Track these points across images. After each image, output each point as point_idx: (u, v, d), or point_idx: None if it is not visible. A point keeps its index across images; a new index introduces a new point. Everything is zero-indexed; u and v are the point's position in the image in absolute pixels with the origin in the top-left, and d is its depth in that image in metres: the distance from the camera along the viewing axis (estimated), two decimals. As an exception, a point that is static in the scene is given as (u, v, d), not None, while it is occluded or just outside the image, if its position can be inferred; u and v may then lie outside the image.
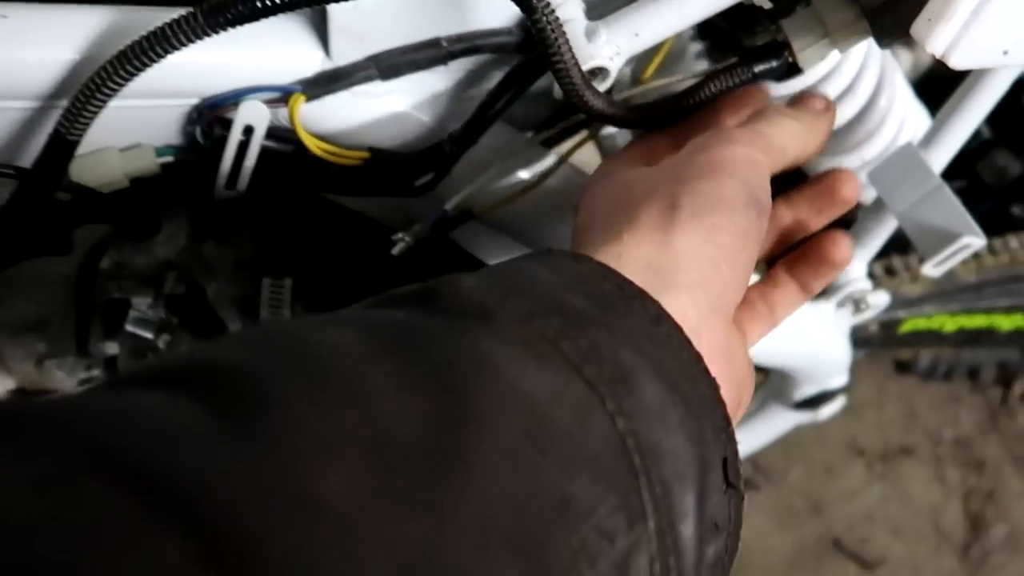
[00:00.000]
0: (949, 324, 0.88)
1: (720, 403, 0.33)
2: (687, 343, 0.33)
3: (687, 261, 0.37)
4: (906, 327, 0.86)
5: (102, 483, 0.22)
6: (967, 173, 0.95)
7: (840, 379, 0.79)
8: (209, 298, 0.56)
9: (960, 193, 0.66)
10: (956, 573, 1.34)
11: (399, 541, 0.24)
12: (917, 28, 0.44)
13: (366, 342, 0.28)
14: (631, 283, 0.34)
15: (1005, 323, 0.91)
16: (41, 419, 0.24)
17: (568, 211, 0.61)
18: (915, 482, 1.41)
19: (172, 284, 0.53)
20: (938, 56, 0.43)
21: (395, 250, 0.54)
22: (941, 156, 0.67)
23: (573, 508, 0.27)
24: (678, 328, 0.33)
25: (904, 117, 0.77)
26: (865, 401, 1.44)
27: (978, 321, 0.89)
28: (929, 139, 0.67)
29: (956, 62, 0.43)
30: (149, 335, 0.54)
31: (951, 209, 0.63)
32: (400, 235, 0.54)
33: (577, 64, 0.48)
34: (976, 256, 0.86)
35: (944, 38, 0.43)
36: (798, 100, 0.48)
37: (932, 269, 0.63)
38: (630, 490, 0.28)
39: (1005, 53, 0.44)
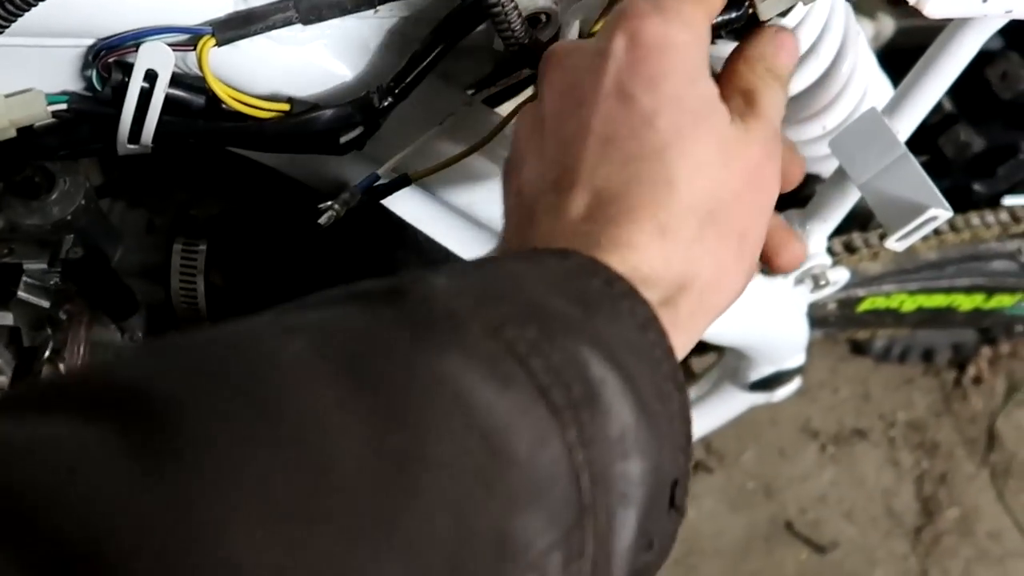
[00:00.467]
0: (908, 303, 0.85)
1: (687, 420, 0.32)
2: (668, 353, 0.32)
3: (698, 270, 0.36)
4: (864, 306, 0.83)
5: None
6: (928, 148, 0.92)
7: (797, 359, 0.75)
8: (114, 264, 0.51)
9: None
10: (908, 556, 1.33)
11: None
12: (890, -27, 0.40)
13: (317, 355, 0.26)
14: (621, 279, 0.33)
15: (965, 303, 0.89)
16: None
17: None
18: (868, 465, 1.39)
19: (69, 247, 0.48)
20: (912, 3, 0.40)
21: (323, 220, 0.49)
22: (906, 124, 0.64)
23: (509, 548, 0.26)
24: (663, 335, 0.32)
25: (867, 85, 0.73)
26: (819, 383, 1.42)
27: (937, 301, 0.87)
28: (894, 107, 0.64)
29: (932, 10, 0.40)
30: (45, 303, 0.49)
31: (916, 179, 0.59)
32: (328, 204, 0.49)
33: (517, 8, 0.44)
34: (937, 233, 0.83)
35: (919, -17, 0.39)
36: (780, 43, 0.44)
37: (895, 243, 0.59)
38: (574, 525, 0.27)
39: (984, 1, 0.40)
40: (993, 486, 1.35)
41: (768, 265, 0.46)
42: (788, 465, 1.40)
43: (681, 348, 0.35)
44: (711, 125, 0.38)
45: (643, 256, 0.35)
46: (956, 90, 0.76)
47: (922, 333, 1.23)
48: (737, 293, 0.39)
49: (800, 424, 1.41)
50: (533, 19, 0.46)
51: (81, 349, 0.50)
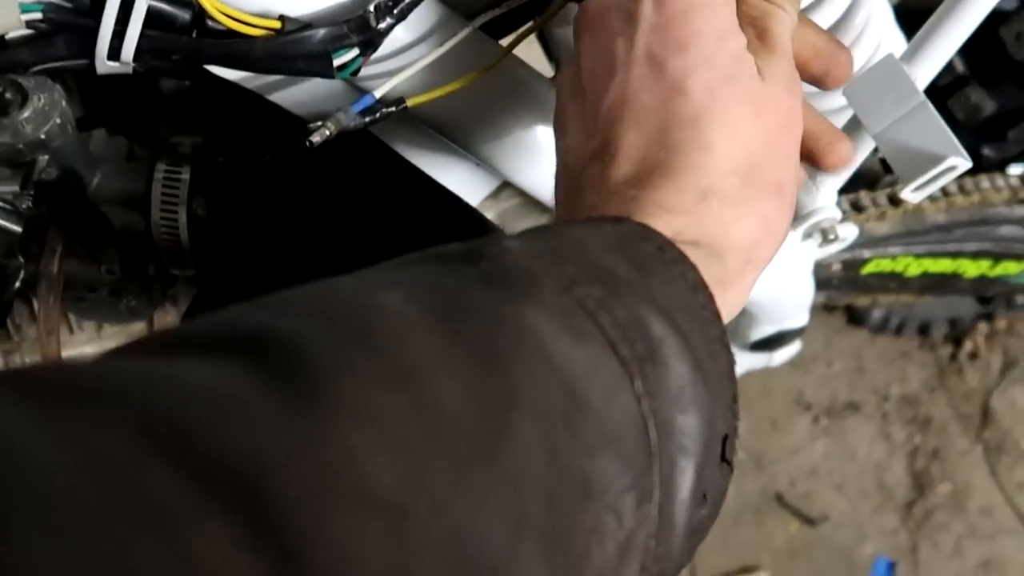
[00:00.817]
0: (914, 267, 0.83)
1: (733, 379, 0.34)
2: (716, 316, 0.34)
3: (744, 228, 0.38)
4: (869, 268, 0.81)
5: (155, 462, 0.22)
6: (938, 109, 0.89)
7: (800, 319, 0.73)
8: (91, 192, 0.48)
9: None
10: (898, 531, 1.32)
11: (442, 534, 0.24)
12: None
13: (415, 307, 0.28)
14: (672, 245, 0.34)
15: (971, 269, 0.87)
16: (88, 387, 0.23)
17: (512, 107, 0.54)
18: (860, 438, 1.38)
19: (43, 168, 0.45)
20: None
21: (313, 138, 0.46)
22: (924, 72, 0.61)
23: (592, 487, 0.28)
24: (711, 299, 0.34)
25: (881, 38, 0.71)
26: (813, 355, 1.40)
27: (943, 266, 0.85)
28: (912, 53, 0.61)
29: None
30: (16, 228, 0.46)
31: (935, 128, 0.57)
32: (319, 123, 0.47)
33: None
34: (946, 194, 0.80)
35: None
36: None
37: (911, 194, 0.57)
38: (643, 470, 0.29)
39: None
40: (986, 462, 1.34)
41: (818, 166, 0.46)
42: (780, 437, 1.38)
43: (732, 305, 0.37)
44: (742, 82, 0.38)
45: (688, 220, 0.36)
46: (968, 50, 0.74)
47: (920, 305, 1.21)
48: (781, 242, 0.40)
49: (793, 396, 1.40)
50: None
51: (54, 280, 0.47)
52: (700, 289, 0.34)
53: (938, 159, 0.56)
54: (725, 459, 0.33)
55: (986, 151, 0.89)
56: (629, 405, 0.29)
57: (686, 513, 0.31)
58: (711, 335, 0.33)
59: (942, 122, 0.57)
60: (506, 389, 0.27)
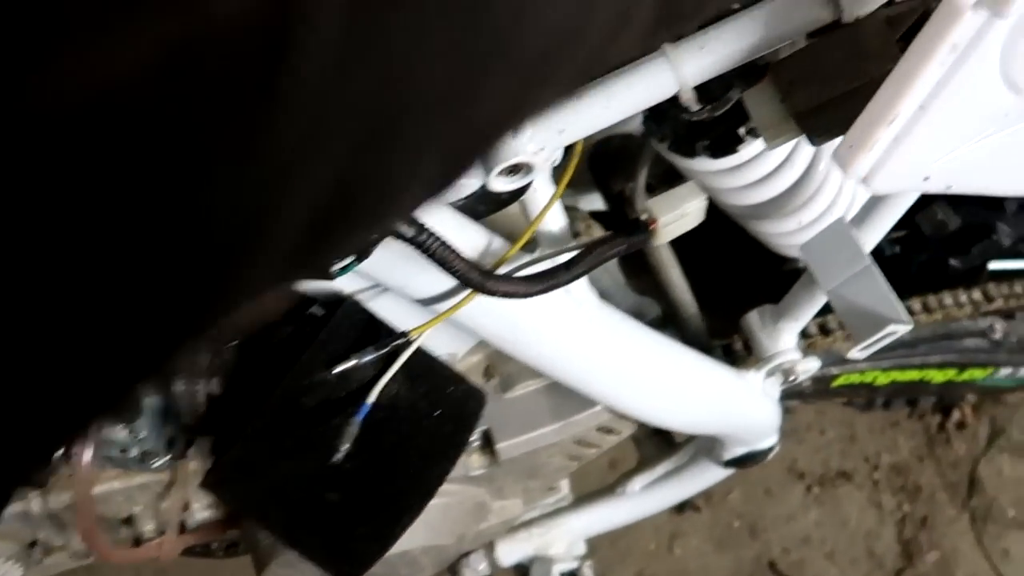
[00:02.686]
0: (882, 378, 0.89)
1: None
2: None
3: None
4: (839, 381, 0.86)
5: None
6: (906, 224, 0.95)
7: (769, 440, 0.79)
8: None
9: (899, 243, 0.65)
10: (887, 599, 1.37)
11: None
12: (839, 155, 0.43)
13: None
14: None
15: (937, 376, 0.92)
16: None
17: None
18: (852, 506, 1.43)
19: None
20: (859, 181, 0.43)
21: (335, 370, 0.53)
22: (872, 236, 0.67)
23: None
24: None
25: (843, 181, 0.76)
26: (806, 425, 1.45)
27: (910, 375, 0.90)
28: (861, 218, 0.67)
29: (877, 187, 0.43)
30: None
31: (878, 292, 0.63)
32: (350, 363, 0.53)
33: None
34: (911, 313, 0.86)
35: (864, 165, 0.43)
36: None
37: (858, 353, 0.63)
38: None
39: (926, 179, 0.44)
40: (972, 530, 1.38)
41: None
42: (774, 505, 1.43)
43: None
44: None
45: None
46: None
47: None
48: None
49: (787, 465, 1.45)
50: (513, 167, 0.50)
51: (89, 451, 0.53)
52: None
53: (881, 323, 0.62)
54: None
55: (952, 262, 0.94)
56: None
57: None
58: None
59: (886, 285, 0.63)
60: None
